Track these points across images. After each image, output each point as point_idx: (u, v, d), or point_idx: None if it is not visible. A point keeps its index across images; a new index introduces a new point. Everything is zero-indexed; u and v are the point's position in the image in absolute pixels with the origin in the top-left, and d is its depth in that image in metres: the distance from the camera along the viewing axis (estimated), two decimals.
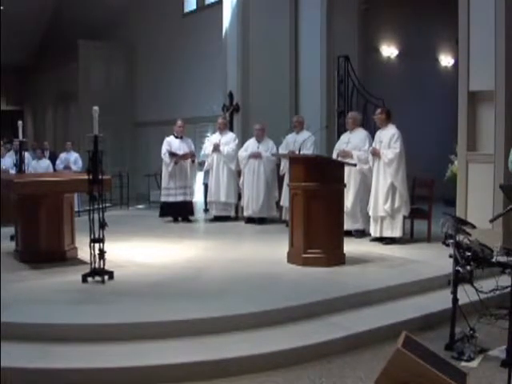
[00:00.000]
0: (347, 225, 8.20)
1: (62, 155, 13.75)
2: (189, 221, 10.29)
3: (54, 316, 4.76)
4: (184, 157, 10.26)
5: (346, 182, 8.07)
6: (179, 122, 10.53)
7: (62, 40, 19.15)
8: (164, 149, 10.29)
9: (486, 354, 4.64)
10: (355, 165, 7.84)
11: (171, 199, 10.20)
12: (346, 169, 7.87)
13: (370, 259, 6.96)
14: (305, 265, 6.51)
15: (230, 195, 10.26)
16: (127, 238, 8.33)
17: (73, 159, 13.50)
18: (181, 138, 10.42)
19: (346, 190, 8.11)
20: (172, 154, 10.17)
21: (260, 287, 5.71)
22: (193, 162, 10.41)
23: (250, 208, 9.94)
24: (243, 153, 10.03)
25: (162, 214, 10.44)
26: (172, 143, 10.33)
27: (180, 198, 10.21)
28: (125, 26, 18.72)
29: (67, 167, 13.28)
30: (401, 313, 5.32)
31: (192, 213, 10.47)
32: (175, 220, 10.33)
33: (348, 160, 8.02)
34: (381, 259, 6.98)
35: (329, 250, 6.57)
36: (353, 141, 8.48)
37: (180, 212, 10.31)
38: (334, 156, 8.46)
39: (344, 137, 8.74)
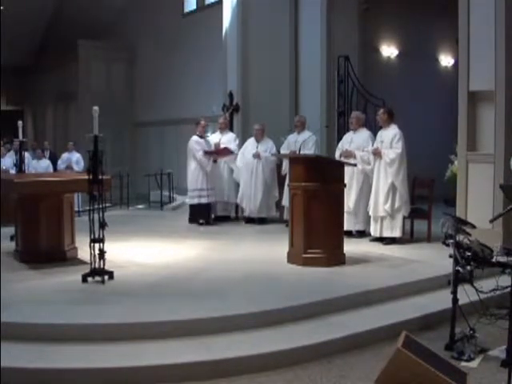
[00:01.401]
0: (349, 225, 8.23)
1: (64, 155, 13.71)
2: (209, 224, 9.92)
3: (54, 316, 4.76)
4: (224, 152, 9.90)
5: (348, 182, 8.09)
6: (203, 122, 10.09)
7: (61, 40, 19.14)
8: (198, 149, 9.78)
9: (486, 354, 4.63)
10: (355, 165, 7.84)
11: (206, 200, 9.77)
12: (349, 169, 7.89)
13: (370, 259, 6.96)
14: (305, 265, 6.51)
15: (231, 195, 10.25)
16: (127, 238, 8.32)
17: (75, 159, 13.47)
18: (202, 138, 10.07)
19: (348, 190, 8.16)
20: (208, 153, 9.80)
21: (260, 287, 5.71)
22: (215, 161, 9.98)
23: (247, 208, 9.94)
24: (239, 162, 9.97)
25: (195, 220, 9.90)
26: (201, 143, 9.90)
27: (212, 199, 9.90)
28: (125, 26, 18.72)
29: (69, 167, 13.23)
30: (401, 313, 5.32)
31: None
32: (199, 223, 9.83)
33: (350, 160, 8.01)
34: (381, 259, 6.98)
35: (329, 250, 6.57)
36: (356, 141, 8.47)
37: (204, 214, 9.88)
38: (337, 156, 8.44)
39: (347, 137, 8.73)
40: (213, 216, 10.33)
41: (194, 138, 10.01)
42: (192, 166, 9.90)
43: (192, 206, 9.98)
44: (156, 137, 17.92)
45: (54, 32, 19.95)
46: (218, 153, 9.99)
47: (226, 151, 10.01)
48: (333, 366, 4.47)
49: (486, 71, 7.42)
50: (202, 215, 9.90)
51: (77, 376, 4.09)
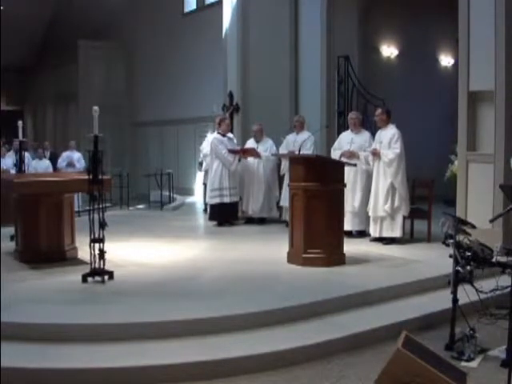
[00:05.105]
0: (353, 225, 8.26)
1: (65, 154, 13.78)
2: (232, 224, 9.81)
3: (54, 316, 4.76)
4: (250, 152, 9.79)
5: (352, 182, 8.11)
6: (227, 121, 9.99)
7: (62, 40, 19.18)
8: (221, 148, 9.67)
9: (486, 354, 4.63)
10: (355, 165, 7.83)
11: (228, 200, 9.63)
12: (353, 169, 7.89)
13: (370, 259, 6.96)
14: (305, 265, 6.51)
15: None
16: (127, 238, 8.33)
17: (76, 158, 13.56)
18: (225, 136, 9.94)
19: (353, 190, 8.17)
20: (233, 152, 9.69)
21: (260, 287, 5.71)
22: (239, 160, 9.88)
23: (250, 208, 9.93)
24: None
25: (215, 218, 9.78)
26: (224, 142, 9.76)
27: (234, 199, 9.77)
28: (124, 27, 18.73)
29: (70, 164, 13.28)
30: (401, 313, 5.32)
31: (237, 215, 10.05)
32: (221, 223, 9.74)
33: (354, 160, 7.97)
34: (381, 259, 6.98)
35: (329, 250, 6.57)
36: (357, 141, 8.43)
37: (230, 214, 9.77)
38: (336, 155, 8.34)
39: (346, 137, 8.65)
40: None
41: (217, 136, 9.89)
42: (214, 165, 9.76)
43: (215, 206, 9.74)
44: (156, 137, 17.93)
45: (54, 32, 19.99)
46: (243, 152, 9.90)
47: (253, 151, 9.86)
48: (333, 365, 4.46)
49: (486, 71, 7.41)
50: (229, 215, 9.79)
51: (77, 376, 4.09)
